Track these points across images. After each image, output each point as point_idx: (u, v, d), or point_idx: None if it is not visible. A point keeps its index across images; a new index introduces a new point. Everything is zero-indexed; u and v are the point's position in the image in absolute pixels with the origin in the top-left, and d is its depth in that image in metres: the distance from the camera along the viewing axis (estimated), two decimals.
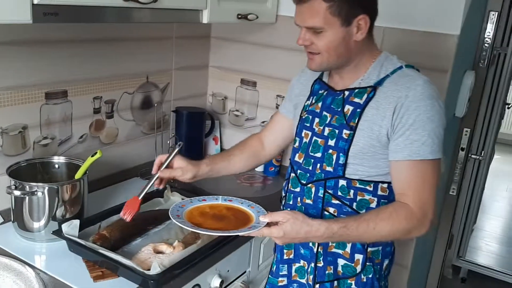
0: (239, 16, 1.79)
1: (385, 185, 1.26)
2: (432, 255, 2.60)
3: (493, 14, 2.12)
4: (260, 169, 2.14)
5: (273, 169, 2.11)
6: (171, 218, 1.20)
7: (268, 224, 1.15)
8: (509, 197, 4.84)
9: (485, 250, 3.63)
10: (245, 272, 1.66)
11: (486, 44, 2.17)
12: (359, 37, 1.19)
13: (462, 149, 2.34)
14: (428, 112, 1.15)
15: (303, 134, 1.35)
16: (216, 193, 1.80)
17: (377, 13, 1.23)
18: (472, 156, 2.51)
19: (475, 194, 3.07)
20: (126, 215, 1.33)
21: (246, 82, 2.25)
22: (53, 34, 1.59)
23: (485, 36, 2.17)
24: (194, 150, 2.16)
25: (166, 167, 1.37)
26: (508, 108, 3.64)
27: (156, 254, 1.32)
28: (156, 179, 1.36)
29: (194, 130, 2.17)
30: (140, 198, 1.35)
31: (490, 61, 2.23)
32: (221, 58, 2.29)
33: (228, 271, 1.54)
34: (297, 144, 1.37)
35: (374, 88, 1.22)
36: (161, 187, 1.40)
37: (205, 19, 1.64)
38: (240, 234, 1.17)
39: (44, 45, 1.57)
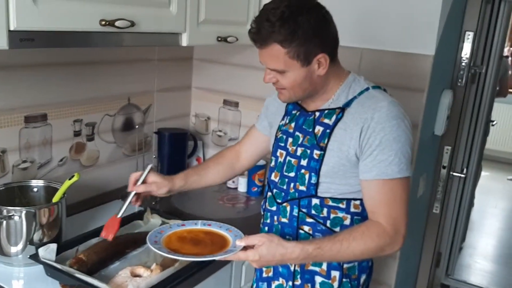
0: (219, 39, 1.82)
1: (358, 202, 1.29)
2: (418, 274, 2.59)
3: (469, 34, 2.16)
4: (243, 189, 2.15)
5: (256, 189, 2.11)
6: (148, 244, 1.21)
7: (245, 248, 1.17)
8: (499, 214, 4.85)
9: (475, 268, 3.62)
10: None
11: (463, 64, 2.21)
12: (321, 72, 1.23)
13: (444, 167, 2.35)
14: (393, 132, 1.18)
15: (278, 154, 1.39)
16: (198, 214, 1.82)
17: (337, 43, 1.26)
18: (454, 174, 2.52)
19: (462, 212, 3.08)
20: (107, 235, 1.34)
21: (228, 102, 2.27)
22: (32, 58, 1.61)
23: (462, 55, 2.21)
24: (177, 171, 2.14)
25: (141, 183, 1.39)
26: (492, 125, 3.69)
27: (133, 278, 1.32)
28: (133, 197, 1.38)
29: (177, 151, 2.17)
30: (119, 216, 1.36)
31: (468, 80, 2.26)
32: (204, 79, 2.31)
33: None
34: (273, 163, 1.41)
35: (343, 109, 1.26)
36: (137, 204, 1.42)
37: (184, 42, 1.66)
38: (216, 258, 1.18)
39: (23, 68, 1.58)
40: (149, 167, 1.43)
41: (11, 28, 1.09)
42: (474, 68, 2.44)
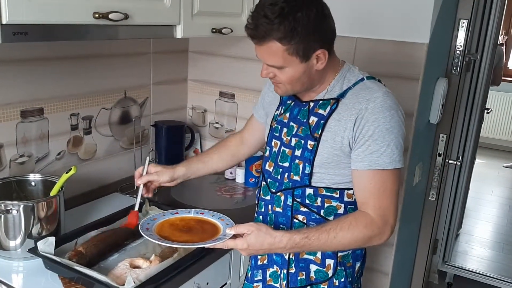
0: (214, 31, 1.82)
1: (351, 192, 1.30)
2: (415, 261, 2.62)
3: (463, 22, 2.16)
4: (240, 180, 2.16)
5: (253, 180, 2.12)
6: (140, 230, 1.26)
7: (235, 236, 1.20)
8: (495, 201, 4.88)
9: (471, 255, 3.66)
10: (225, 284, 1.66)
11: (458, 52, 2.22)
12: (320, 67, 1.22)
13: (440, 155, 2.37)
14: (387, 123, 1.19)
15: (272, 144, 1.40)
16: (196, 205, 1.83)
17: (334, 36, 1.24)
18: (450, 161, 2.54)
19: (458, 199, 3.11)
20: (131, 225, 1.47)
21: (224, 94, 2.27)
22: (27, 52, 1.60)
23: (457, 43, 2.21)
24: (175, 163, 2.16)
25: (145, 175, 1.47)
26: (488, 113, 3.70)
27: (133, 269, 1.33)
28: (142, 189, 1.46)
29: (174, 144, 2.18)
30: (136, 209, 1.47)
31: (462, 68, 2.27)
32: (200, 72, 2.31)
33: (207, 283, 1.55)
34: (267, 153, 1.42)
35: (337, 100, 1.26)
36: (150, 195, 1.51)
37: (179, 34, 1.66)
38: (205, 246, 1.21)
39: (18, 63, 1.58)
40: (147, 159, 1.51)
41: (4, 22, 1.09)
42: (469, 56, 2.45)
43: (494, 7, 2.56)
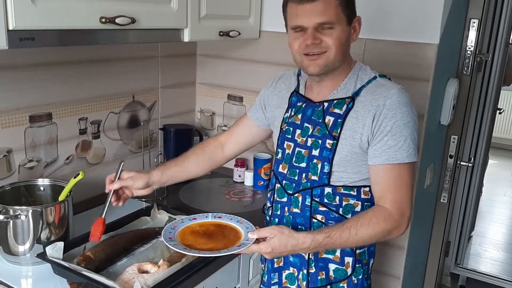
0: (221, 34, 1.81)
1: (367, 189, 1.32)
2: (427, 264, 2.59)
3: (473, 22, 2.13)
4: (249, 183, 2.15)
5: (262, 183, 2.11)
6: (164, 241, 1.24)
7: (257, 240, 1.21)
8: (508, 202, 4.81)
9: (484, 257, 3.61)
10: None
11: (468, 52, 2.19)
12: (355, 38, 1.28)
13: (451, 157, 2.34)
14: (404, 118, 1.23)
15: (285, 146, 1.39)
16: (205, 209, 1.82)
17: None
18: (461, 163, 2.50)
19: (470, 201, 3.07)
20: (94, 237, 1.34)
21: (232, 97, 2.26)
22: (35, 58, 1.61)
23: (467, 43, 2.18)
24: None
25: (117, 181, 1.38)
26: (500, 113, 3.65)
27: (141, 274, 1.32)
28: (112, 196, 1.37)
29: (183, 147, 2.15)
30: (102, 216, 1.36)
31: (473, 68, 2.24)
32: (208, 75, 2.31)
33: None
34: (279, 155, 1.41)
35: (353, 98, 1.28)
36: (120, 204, 1.41)
37: (186, 38, 1.65)
38: (232, 253, 1.20)
39: (26, 68, 1.59)
40: (121, 164, 1.40)
41: (10, 28, 1.09)
42: (480, 56, 2.41)
43: (505, 6, 2.52)
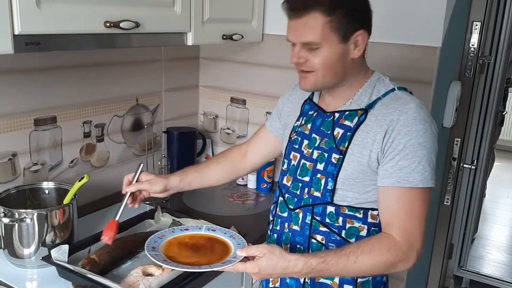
0: (224, 37, 1.82)
1: (375, 213, 1.19)
2: (430, 266, 2.59)
3: (476, 25, 2.14)
4: (252, 185, 2.15)
5: (265, 185, 2.12)
6: (145, 250, 1.18)
7: (247, 258, 1.11)
8: (511, 204, 4.80)
9: (488, 259, 3.60)
10: None
11: (471, 54, 2.19)
12: (356, 54, 1.14)
13: (454, 159, 2.34)
14: (420, 137, 1.09)
15: (291, 156, 1.30)
16: (208, 212, 1.83)
17: (371, 22, 1.18)
18: (464, 165, 2.50)
19: (473, 203, 3.06)
20: (106, 239, 1.32)
21: (236, 100, 2.27)
22: (39, 61, 1.62)
23: (470, 46, 2.19)
24: None
25: (135, 183, 1.35)
26: (503, 115, 3.65)
27: (145, 277, 1.33)
28: (128, 198, 1.34)
29: (186, 150, 2.18)
30: (116, 219, 1.33)
31: (476, 71, 2.24)
32: (211, 78, 2.32)
33: None
34: (285, 166, 1.32)
35: (365, 111, 1.17)
36: (136, 206, 1.38)
37: (189, 41, 1.66)
38: (213, 270, 1.12)
39: (30, 72, 1.60)
40: (140, 166, 1.37)
41: (16, 33, 1.10)
42: (482, 59, 2.42)
43: (507, 8, 2.52)
